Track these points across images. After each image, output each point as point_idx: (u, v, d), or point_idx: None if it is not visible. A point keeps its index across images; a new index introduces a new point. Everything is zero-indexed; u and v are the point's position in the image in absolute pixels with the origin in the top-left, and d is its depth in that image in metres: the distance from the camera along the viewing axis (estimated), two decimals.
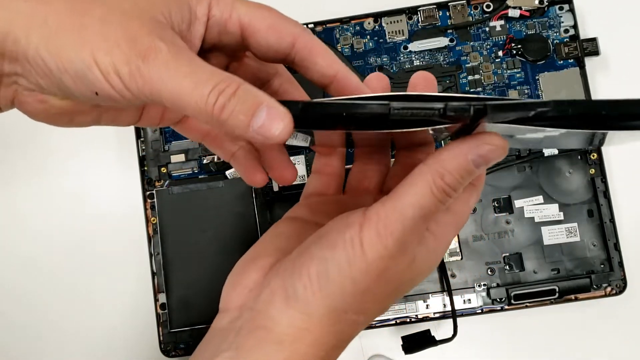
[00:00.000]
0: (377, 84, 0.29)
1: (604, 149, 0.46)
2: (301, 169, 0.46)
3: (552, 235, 0.46)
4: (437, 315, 0.45)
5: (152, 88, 0.23)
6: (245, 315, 0.26)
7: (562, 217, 0.46)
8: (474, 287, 0.46)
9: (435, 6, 0.47)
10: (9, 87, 0.26)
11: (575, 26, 0.47)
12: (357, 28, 0.48)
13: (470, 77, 0.47)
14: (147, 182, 0.47)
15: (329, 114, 0.24)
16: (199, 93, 0.23)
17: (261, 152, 0.32)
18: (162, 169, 0.47)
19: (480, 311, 0.45)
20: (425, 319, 0.45)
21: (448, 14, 0.48)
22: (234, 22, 0.27)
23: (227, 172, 0.47)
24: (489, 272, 0.46)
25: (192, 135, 0.32)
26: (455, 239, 0.46)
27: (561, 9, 0.47)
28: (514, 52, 0.47)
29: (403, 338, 0.43)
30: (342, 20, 0.48)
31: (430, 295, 0.46)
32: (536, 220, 0.46)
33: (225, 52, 0.29)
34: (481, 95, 0.28)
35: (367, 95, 0.25)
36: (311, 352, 0.25)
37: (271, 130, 0.23)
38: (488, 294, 0.45)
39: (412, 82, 0.29)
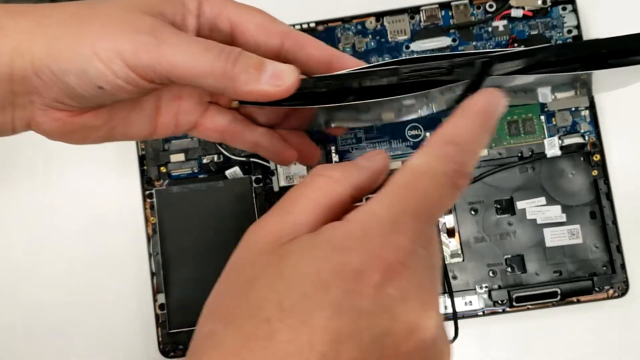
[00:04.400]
0: None
1: (606, 150, 0.46)
2: (302, 169, 0.46)
3: (554, 237, 0.45)
4: None
5: (161, 59, 0.24)
6: None
7: (564, 219, 0.45)
8: (475, 289, 0.45)
9: (437, 6, 0.47)
10: (25, 108, 0.26)
11: (578, 26, 0.47)
12: (359, 27, 0.48)
13: None
14: (146, 182, 0.47)
15: (342, 84, 0.24)
16: (213, 53, 0.24)
17: (283, 136, 0.33)
18: (162, 168, 0.47)
19: (481, 313, 0.45)
20: None
21: (450, 14, 0.47)
22: (224, 20, 0.28)
23: (227, 172, 0.46)
24: (491, 274, 0.45)
25: (210, 135, 0.32)
26: (457, 240, 0.46)
27: (564, 9, 0.47)
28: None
29: None
30: (344, 20, 0.48)
31: None
32: (538, 222, 0.45)
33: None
34: (481, 50, 0.27)
35: (374, 64, 0.26)
36: None
37: (283, 78, 0.24)
38: (489, 296, 0.45)
39: None
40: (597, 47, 0.24)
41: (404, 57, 0.26)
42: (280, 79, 0.24)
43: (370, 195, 0.21)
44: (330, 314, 0.17)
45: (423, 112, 0.33)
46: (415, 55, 0.26)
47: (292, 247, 0.20)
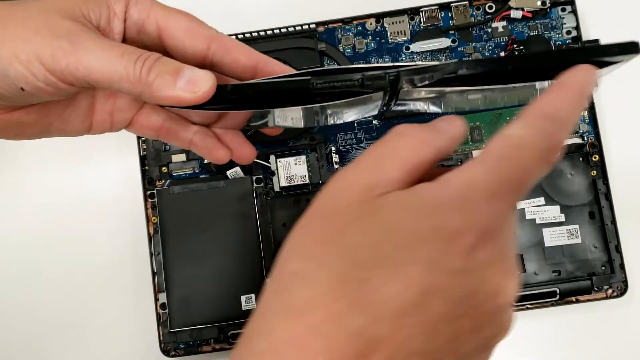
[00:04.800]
0: None
1: (605, 150, 0.46)
2: (302, 169, 0.46)
3: (553, 237, 0.45)
4: None
5: (78, 64, 0.24)
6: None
7: (563, 219, 0.46)
8: None
9: (437, 7, 0.47)
10: None
11: (577, 28, 0.47)
12: (359, 28, 0.48)
13: None
14: (147, 182, 0.47)
15: (257, 92, 0.26)
16: (127, 59, 0.24)
17: (219, 135, 0.33)
18: (163, 168, 0.47)
19: None
20: None
21: (450, 15, 0.48)
22: (152, 23, 0.28)
23: (228, 172, 0.46)
24: None
25: (145, 132, 0.32)
26: None
27: (564, 10, 0.47)
28: (516, 53, 0.47)
29: None
30: (344, 21, 0.48)
31: None
32: (537, 221, 0.46)
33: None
34: (402, 63, 0.28)
35: (291, 73, 0.26)
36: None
37: (198, 84, 0.25)
38: None
39: None
40: (503, 64, 0.25)
41: (321, 68, 0.27)
42: (196, 86, 0.25)
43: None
44: (425, 269, 0.18)
45: (355, 116, 0.33)
46: (376, 63, 0.27)
47: (387, 200, 0.20)
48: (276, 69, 0.30)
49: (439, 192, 0.20)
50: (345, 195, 0.21)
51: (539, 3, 0.47)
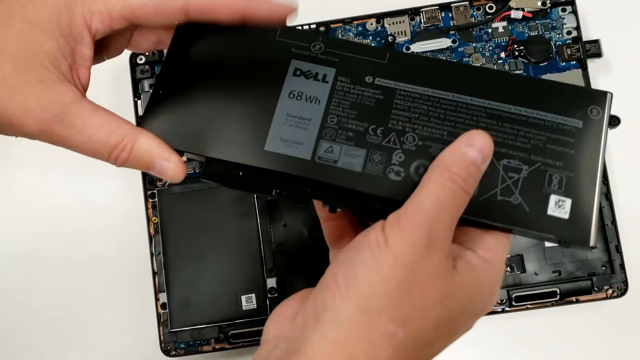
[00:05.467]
0: None
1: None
2: None
3: None
4: None
5: (69, 139, 0.27)
6: (280, 345, 0.25)
7: None
8: None
9: (437, 7, 0.47)
10: None
11: (577, 28, 0.47)
12: (360, 29, 0.48)
13: None
14: (148, 182, 0.47)
15: (246, 175, 0.28)
16: (107, 148, 0.28)
17: None
18: None
19: None
20: None
21: (450, 15, 0.48)
22: (118, 21, 0.28)
23: None
24: None
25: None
26: None
27: (564, 10, 0.47)
28: (517, 53, 0.47)
29: None
30: (345, 21, 0.48)
31: None
32: None
33: (124, 33, 0.30)
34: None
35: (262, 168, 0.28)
36: None
37: (166, 174, 0.28)
38: None
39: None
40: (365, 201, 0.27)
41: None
42: (165, 175, 0.28)
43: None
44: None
45: None
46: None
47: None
48: (263, 8, 0.29)
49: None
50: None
51: (539, 3, 0.47)
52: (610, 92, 0.28)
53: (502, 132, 0.27)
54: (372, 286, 0.23)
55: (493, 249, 0.26)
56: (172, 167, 0.28)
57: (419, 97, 0.28)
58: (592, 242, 0.26)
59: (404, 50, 0.47)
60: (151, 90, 0.30)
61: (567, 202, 0.26)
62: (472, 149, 0.25)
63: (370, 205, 0.27)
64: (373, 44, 0.47)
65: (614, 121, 0.28)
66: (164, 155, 0.28)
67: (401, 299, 0.23)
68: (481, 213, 0.26)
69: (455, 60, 0.28)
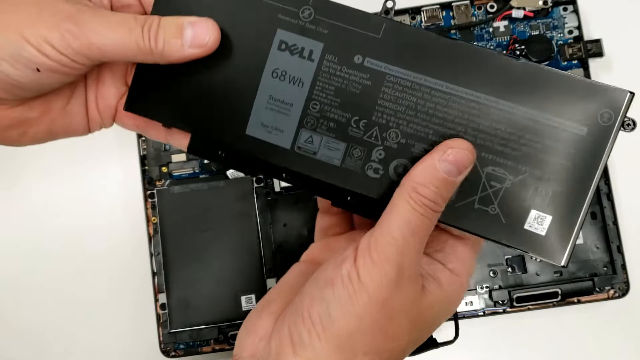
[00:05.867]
0: None
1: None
2: None
3: None
4: None
5: (90, 45, 0.25)
6: None
7: None
8: (476, 289, 0.45)
9: (438, 6, 0.47)
10: None
11: (579, 27, 0.47)
12: None
13: None
14: (147, 182, 0.47)
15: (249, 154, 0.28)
16: (135, 34, 0.25)
17: None
18: (163, 168, 0.47)
19: (482, 313, 0.45)
20: None
21: (451, 14, 0.47)
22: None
23: (228, 172, 0.46)
24: (491, 274, 0.45)
25: (126, 124, 0.32)
26: None
27: (565, 9, 0.47)
28: (518, 52, 0.47)
29: None
30: None
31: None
32: None
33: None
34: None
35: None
36: None
37: (203, 39, 0.26)
38: (490, 296, 0.45)
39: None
40: None
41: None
42: (202, 40, 0.26)
43: None
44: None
45: None
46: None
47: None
48: None
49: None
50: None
51: (540, 2, 0.47)
52: (631, 92, 0.25)
53: (493, 136, 0.25)
54: (348, 325, 0.24)
55: (462, 259, 0.27)
56: (204, 27, 0.26)
57: (409, 87, 0.26)
58: (563, 263, 0.25)
59: None
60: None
61: (547, 219, 0.25)
62: (447, 164, 0.24)
63: (345, 199, 0.27)
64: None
65: (629, 126, 0.26)
66: (191, 18, 0.26)
67: (375, 334, 0.24)
68: (456, 220, 0.26)
69: (457, 38, 0.26)
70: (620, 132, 0.25)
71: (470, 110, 0.26)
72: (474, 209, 0.26)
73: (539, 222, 0.25)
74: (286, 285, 0.29)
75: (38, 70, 0.25)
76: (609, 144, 0.25)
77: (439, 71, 0.26)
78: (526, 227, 0.25)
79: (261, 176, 0.28)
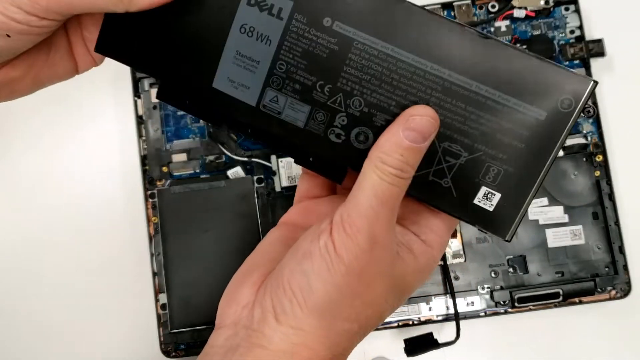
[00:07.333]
0: None
1: (609, 150, 0.46)
2: (298, 168, 0.46)
3: (556, 238, 0.45)
4: (440, 317, 0.45)
5: (58, 1, 0.25)
6: (240, 334, 0.26)
7: (566, 220, 0.45)
8: (477, 290, 0.45)
9: (440, 6, 0.47)
10: None
11: (581, 27, 0.47)
12: None
13: None
14: (148, 182, 0.47)
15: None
16: None
17: None
18: (164, 168, 0.47)
19: (483, 314, 0.45)
20: (428, 321, 0.45)
21: (453, 14, 0.47)
22: None
23: (229, 172, 0.46)
24: (493, 275, 0.45)
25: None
26: (459, 240, 0.46)
27: (567, 9, 0.47)
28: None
29: (405, 341, 0.43)
30: None
31: (433, 297, 0.45)
32: (540, 222, 0.45)
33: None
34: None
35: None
36: None
37: None
38: (491, 297, 0.45)
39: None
40: None
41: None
42: None
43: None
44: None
45: None
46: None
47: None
48: None
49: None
50: None
51: (542, 2, 0.47)
52: (594, 81, 0.25)
53: (453, 113, 0.26)
54: (328, 294, 0.25)
55: (437, 232, 0.28)
56: None
57: (376, 56, 0.26)
58: (507, 237, 0.27)
59: None
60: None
61: (496, 197, 0.26)
62: (411, 132, 0.25)
63: (307, 159, 0.28)
64: None
65: (589, 112, 0.26)
66: None
67: (353, 301, 0.25)
68: (410, 189, 0.26)
69: (432, 11, 0.26)
70: (584, 118, 0.26)
71: (433, 84, 0.26)
72: (428, 181, 0.27)
73: (488, 198, 0.26)
74: (264, 253, 0.30)
75: (8, 36, 0.25)
76: (565, 130, 0.25)
77: (407, 42, 0.26)
78: (475, 202, 0.27)
79: (226, 129, 0.28)
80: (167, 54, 0.27)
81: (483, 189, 0.26)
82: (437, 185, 0.27)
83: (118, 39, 0.28)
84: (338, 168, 0.28)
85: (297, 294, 0.25)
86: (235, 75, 0.27)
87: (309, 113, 0.27)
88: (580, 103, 0.25)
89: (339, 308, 0.25)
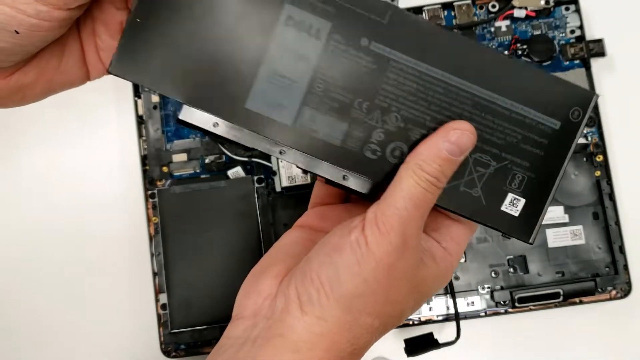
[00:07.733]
0: None
1: (609, 150, 0.46)
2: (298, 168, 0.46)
3: (556, 238, 0.45)
4: (440, 318, 0.45)
5: None
6: (260, 324, 0.27)
7: (567, 220, 0.45)
8: (477, 290, 0.45)
9: (440, 6, 0.47)
10: None
11: (581, 27, 0.47)
12: None
13: None
14: (148, 182, 0.47)
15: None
16: None
17: None
18: (164, 168, 0.47)
19: (483, 314, 0.45)
20: (429, 321, 0.45)
21: (453, 14, 0.47)
22: None
23: (229, 172, 0.46)
24: (493, 275, 0.45)
25: None
26: None
27: (567, 9, 0.47)
28: (520, 52, 0.46)
29: (406, 341, 0.43)
30: None
31: (433, 297, 0.45)
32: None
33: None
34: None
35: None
36: (327, 358, 0.25)
37: None
38: (492, 297, 0.45)
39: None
40: None
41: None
42: None
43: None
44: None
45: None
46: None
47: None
48: None
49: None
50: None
51: (542, 2, 0.47)
52: (597, 94, 0.28)
53: (483, 125, 0.27)
54: (355, 287, 0.25)
55: (456, 240, 0.29)
56: None
57: (411, 73, 0.27)
58: (531, 240, 0.28)
59: None
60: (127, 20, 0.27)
61: (521, 202, 0.28)
62: (450, 144, 0.26)
63: (340, 178, 0.28)
64: None
65: (590, 120, 0.29)
66: None
67: (378, 297, 0.26)
68: (442, 200, 0.27)
69: (457, 32, 0.27)
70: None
71: (465, 99, 0.27)
72: (460, 192, 0.28)
73: (514, 204, 0.28)
74: (283, 251, 0.30)
75: (17, 32, 0.24)
76: (576, 137, 0.28)
77: (439, 61, 0.27)
78: (503, 208, 0.28)
79: (254, 151, 0.28)
80: (196, 75, 0.27)
81: (510, 196, 0.28)
82: (468, 195, 0.28)
83: (138, 57, 0.26)
84: (375, 187, 0.28)
85: (325, 284, 0.25)
86: (270, 94, 0.27)
87: (346, 130, 0.27)
88: (587, 113, 0.28)
89: (364, 302, 0.26)
